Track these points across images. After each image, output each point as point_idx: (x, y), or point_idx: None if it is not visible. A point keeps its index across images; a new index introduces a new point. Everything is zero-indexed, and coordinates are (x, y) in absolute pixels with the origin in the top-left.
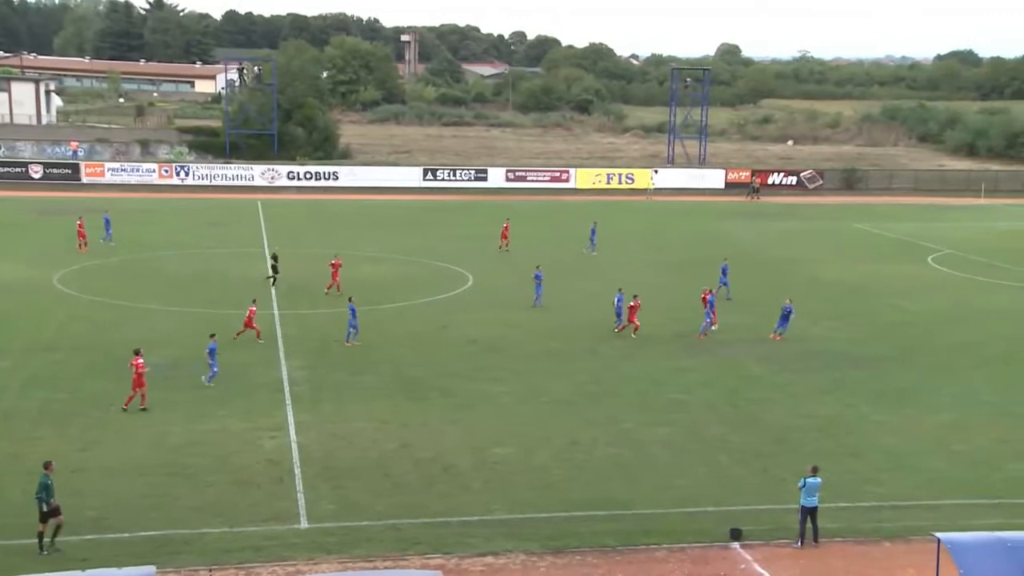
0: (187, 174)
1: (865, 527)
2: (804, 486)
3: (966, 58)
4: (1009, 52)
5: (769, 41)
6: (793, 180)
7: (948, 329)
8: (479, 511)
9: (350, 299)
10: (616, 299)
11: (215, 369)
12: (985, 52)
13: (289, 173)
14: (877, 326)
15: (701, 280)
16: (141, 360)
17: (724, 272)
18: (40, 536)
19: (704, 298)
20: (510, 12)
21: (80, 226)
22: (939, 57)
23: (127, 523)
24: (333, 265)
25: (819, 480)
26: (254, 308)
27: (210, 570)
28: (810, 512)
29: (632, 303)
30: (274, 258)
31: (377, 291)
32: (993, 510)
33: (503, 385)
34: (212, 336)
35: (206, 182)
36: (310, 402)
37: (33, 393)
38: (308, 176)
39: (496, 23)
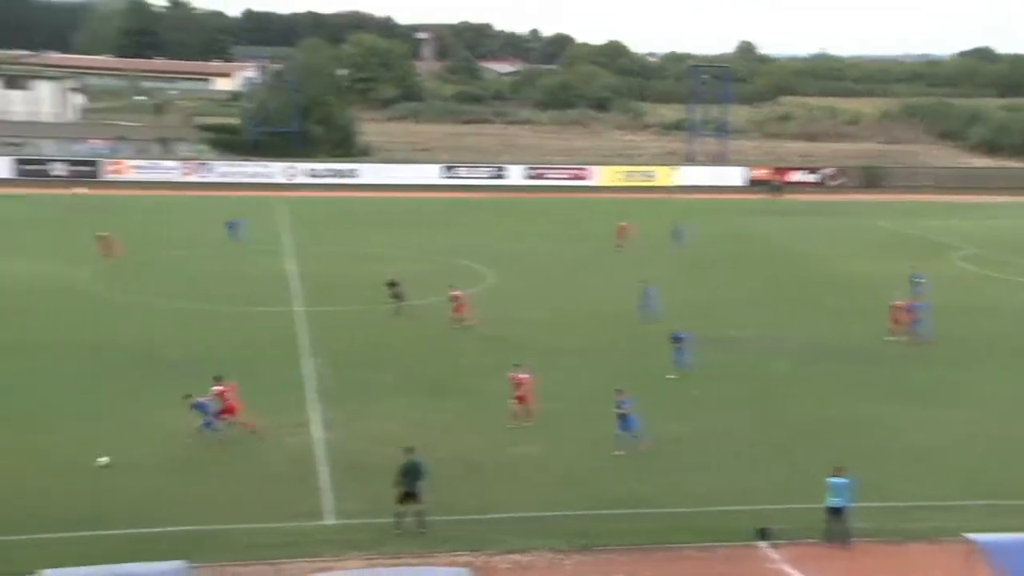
0: (208, 171)
1: (897, 527)
2: (828, 488)
3: (984, 55)
4: None
5: (786, 38)
6: (815, 178)
7: (967, 322)
8: (507, 509)
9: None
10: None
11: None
12: (1002, 50)
13: (311, 171)
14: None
15: (721, 275)
16: (523, 375)
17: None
18: None
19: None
20: (523, 11)
21: None
22: (959, 54)
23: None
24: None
25: (846, 481)
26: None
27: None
28: (834, 513)
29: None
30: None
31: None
32: None
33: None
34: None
35: (227, 179)
36: (336, 400)
37: None
38: (328, 173)
39: (510, 21)
